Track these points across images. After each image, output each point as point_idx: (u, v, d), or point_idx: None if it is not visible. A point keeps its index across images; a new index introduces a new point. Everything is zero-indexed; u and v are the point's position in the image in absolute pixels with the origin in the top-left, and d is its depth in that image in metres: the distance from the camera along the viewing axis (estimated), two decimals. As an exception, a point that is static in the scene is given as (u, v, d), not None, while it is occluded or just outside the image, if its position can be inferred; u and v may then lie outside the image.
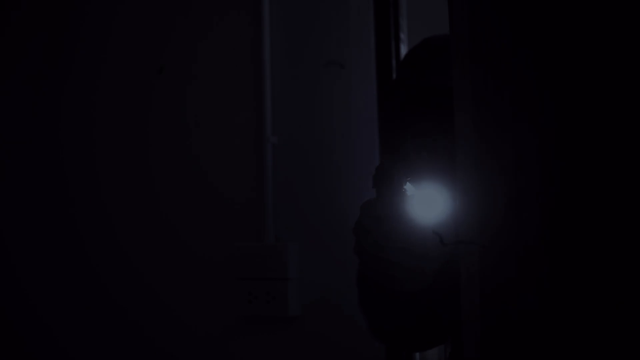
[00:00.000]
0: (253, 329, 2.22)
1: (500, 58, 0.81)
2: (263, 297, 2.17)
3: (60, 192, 2.45)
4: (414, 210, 1.19)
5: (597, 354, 0.74)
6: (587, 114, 0.77)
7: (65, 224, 2.44)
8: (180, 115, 2.35)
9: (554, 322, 0.76)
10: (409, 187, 1.22)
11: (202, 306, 2.28)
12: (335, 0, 2.24)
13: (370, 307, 1.36)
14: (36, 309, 2.43)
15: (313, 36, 2.24)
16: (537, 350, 0.76)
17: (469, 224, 0.80)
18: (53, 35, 2.49)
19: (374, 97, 2.15)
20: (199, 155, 2.32)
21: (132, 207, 2.37)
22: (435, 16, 2.17)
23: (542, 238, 0.77)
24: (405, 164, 1.35)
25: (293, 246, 2.17)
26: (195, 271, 2.29)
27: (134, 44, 2.41)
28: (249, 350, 2.23)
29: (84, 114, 2.45)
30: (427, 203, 1.21)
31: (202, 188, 2.31)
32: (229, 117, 2.30)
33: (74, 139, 2.45)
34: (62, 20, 2.49)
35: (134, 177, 2.38)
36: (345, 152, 2.16)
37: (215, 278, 2.27)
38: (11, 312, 2.46)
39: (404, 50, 2.19)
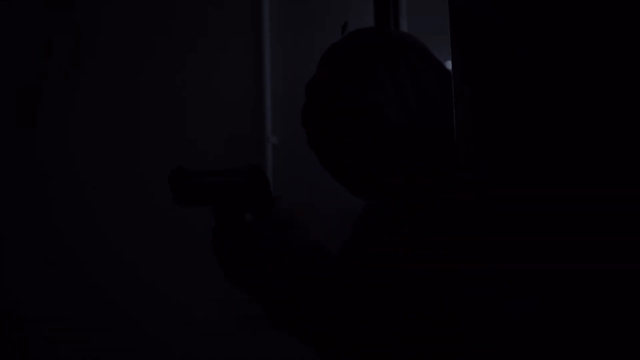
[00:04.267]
0: (253, 329, 2.22)
1: (501, 57, 0.81)
2: (263, 297, 2.16)
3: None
4: None
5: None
6: (591, 115, 0.77)
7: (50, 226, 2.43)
8: (179, 115, 2.35)
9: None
10: None
11: (202, 306, 2.28)
12: (335, 1, 2.24)
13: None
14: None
15: (313, 36, 2.24)
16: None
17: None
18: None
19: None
20: (200, 155, 2.32)
21: (130, 206, 2.36)
22: (435, 16, 2.17)
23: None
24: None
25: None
26: (196, 271, 2.29)
27: (130, 40, 2.41)
28: (249, 350, 2.22)
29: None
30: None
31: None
32: (230, 117, 2.30)
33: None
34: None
35: (130, 176, 2.37)
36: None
37: (216, 278, 2.26)
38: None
39: (404, 50, 2.19)
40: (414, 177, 1.33)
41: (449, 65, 0.94)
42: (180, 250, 2.31)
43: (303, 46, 2.26)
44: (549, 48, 0.78)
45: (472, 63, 0.82)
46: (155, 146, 2.37)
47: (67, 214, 2.41)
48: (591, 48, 0.77)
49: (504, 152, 0.79)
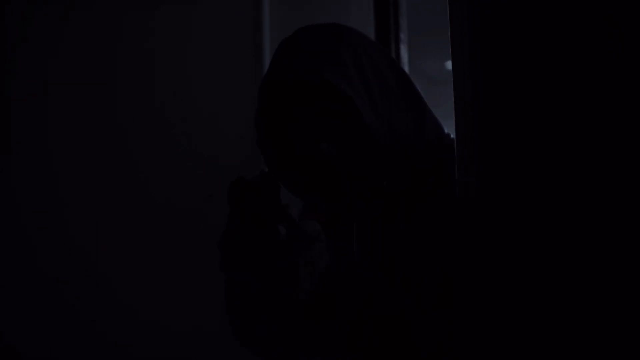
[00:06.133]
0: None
1: (501, 58, 0.81)
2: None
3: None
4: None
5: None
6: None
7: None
8: (178, 115, 2.34)
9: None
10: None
11: (201, 306, 2.28)
12: (335, 1, 2.24)
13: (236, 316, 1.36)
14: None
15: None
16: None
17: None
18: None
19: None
20: (199, 155, 2.31)
21: (130, 208, 2.36)
22: (435, 16, 2.17)
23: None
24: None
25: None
26: (194, 271, 2.29)
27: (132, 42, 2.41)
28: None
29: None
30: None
31: (202, 188, 2.30)
32: (229, 117, 2.30)
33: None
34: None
35: (128, 177, 2.37)
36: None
37: (215, 278, 2.26)
38: None
39: (403, 50, 2.19)
40: (378, 181, 1.30)
41: (448, 65, 0.94)
42: (181, 250, 2.31)
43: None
44: (549, 46, 0.78)
45: (472, 62, 0.81)
46: (153, 147, 2.36)
47: (72, 214, 2.41)
48: (592, 47, 0.77)
49: (505, 152, 0.79)
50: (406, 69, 2.20)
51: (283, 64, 1.29)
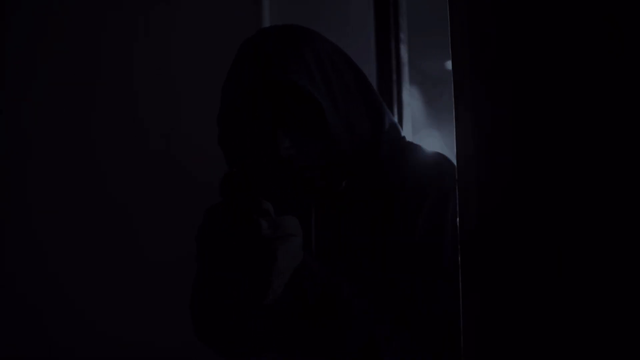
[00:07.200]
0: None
1: (501, 58, 0.81)
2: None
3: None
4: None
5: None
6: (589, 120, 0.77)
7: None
8: (176, 116, 2.34)
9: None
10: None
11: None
12: (335, 0, 2.24)
13: (204, 312, 1.33)
14: None
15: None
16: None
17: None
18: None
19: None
20: (197, 155, 2.31)
21: (127, 210, 2.36)
22: (435, 16, 2.17)
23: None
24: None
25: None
26: (192, 271, 2.29)
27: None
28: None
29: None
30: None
31: (201, 188, 2.30)
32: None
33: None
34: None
35: (128, 177, 2.37)
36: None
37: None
38: None
39: (404, 50, 2.19)
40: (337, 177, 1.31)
41: (448, 65, 0.94)
42: (179, 250, 2.30)
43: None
44: (549, 46, 0.78)
45: (472, 62, 0.82)
46: (152, 147, 2.36)
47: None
48: (592, 47, 0.77)
49: (505, 152, 0.79)
50: (406, 69, 2.20)
51: (246, 64, 1.30)
